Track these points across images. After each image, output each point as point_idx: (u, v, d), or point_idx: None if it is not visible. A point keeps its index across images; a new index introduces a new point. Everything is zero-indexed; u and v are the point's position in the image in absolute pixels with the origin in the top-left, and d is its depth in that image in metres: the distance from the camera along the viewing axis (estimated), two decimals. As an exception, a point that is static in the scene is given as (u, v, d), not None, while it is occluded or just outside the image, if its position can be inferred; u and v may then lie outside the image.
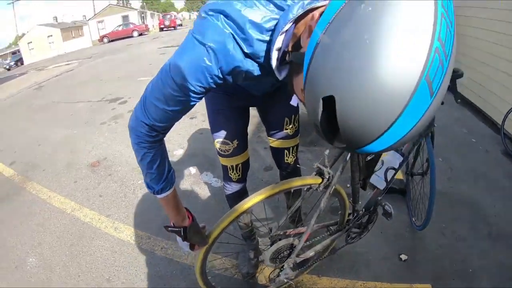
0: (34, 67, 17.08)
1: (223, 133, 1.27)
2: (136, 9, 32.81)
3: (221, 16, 0.66)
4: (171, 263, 1.85)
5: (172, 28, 28.64)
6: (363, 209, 1.36)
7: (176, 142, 3.31)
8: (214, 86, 0.74)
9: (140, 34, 25.46)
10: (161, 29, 28.96)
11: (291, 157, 1.42)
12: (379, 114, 0.45)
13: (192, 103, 0.78)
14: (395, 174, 1.34)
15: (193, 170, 2.77)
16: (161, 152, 0.88)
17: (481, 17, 4.62)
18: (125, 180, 2.75)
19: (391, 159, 1.33)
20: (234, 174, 1.39)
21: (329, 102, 0.47)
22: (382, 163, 1.31)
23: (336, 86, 0.46)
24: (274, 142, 1.39)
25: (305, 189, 1.13)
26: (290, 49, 0.67)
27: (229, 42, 0.67)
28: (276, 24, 0.66)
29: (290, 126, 1.33)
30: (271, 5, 0.66)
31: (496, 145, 3.47)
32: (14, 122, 5.47)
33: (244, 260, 1.63)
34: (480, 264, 1.81)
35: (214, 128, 1.28)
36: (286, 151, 1.39)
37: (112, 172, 2.91)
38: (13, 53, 34.02)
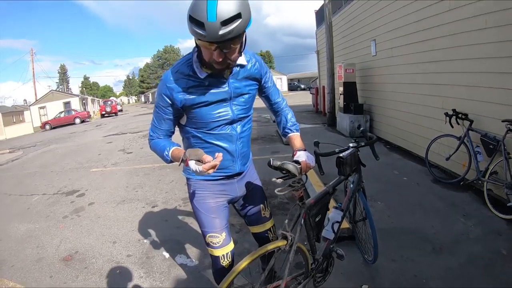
0: (-27, 152, 16.03)
1: (212, 228, 1.54)
2: (77, 96, 32.86)
3: None
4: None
5: (114, 115, 29.14)
6: (321, 257, 1.75)
7: (143, 232, 3.45)
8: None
9: (83, 121, 25.44)
10: (103, 116, 29.43)
11: (273, 236, 1.73)
12: None
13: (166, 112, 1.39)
14: (339, 226, 1.75)
15: (166, 255, 2.95)
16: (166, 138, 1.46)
17: (397, 73, 5.61)
18: (103, 272, 2.78)
19: (334, 215, 1.76)
20: (226, 261, 1.60)
21: None
22: (328, 220, 1.73)
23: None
24: (255, 228, 1.70)
25: (275, 250, 1.48)
26: None
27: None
28: None
29: (266, 210, 1.70)
30: None
31: (425, 176, 4.15)
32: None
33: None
34: (430, 274, 2.26)
35: (204, 226, 1.55)
36: (268, 231, 1.71)
37: (88, 265, 2.92)
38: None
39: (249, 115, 1.51)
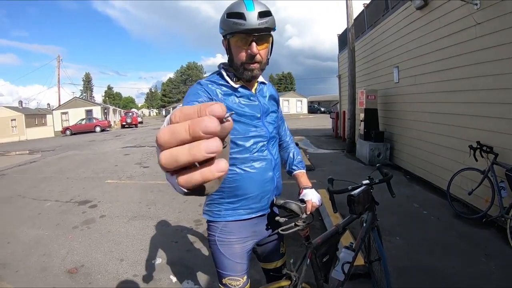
0: (-6, 149, 16.61)
1: (234, 272, 1.39)
2: (99, 104, 33.32)
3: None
4: None
5: (134, 126, 29.37)
6: (331, 299, 1.63)
7: (152, 252, 3.37)
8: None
9: (103, 130, 25.81)
10: (123, 126, 29.71)
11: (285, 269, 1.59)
12: None
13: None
14: (350, 266, 1.64)
15: (173, 279, 2.86)
16: None
17: (420, 102, 5.48)
18: (107, 289, 2.72)
19: (345, 255, 1.66)
20: None
21: None
22: (339, 260, 1.62)
23: None
24: (272, 264, 1.57)
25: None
26: None
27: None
28: None
29: (284, 246, 1.58)
30: None
31: (446, 210, 3.97)
32: (-25, 210, 5.18)
33: None
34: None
35: (225, 270, 1.39)
36: (283, 266, 1.59)
37: (92, 280, 2.86)
38: (-28, 128, 32.93)
39: (277, 137, 1.48)
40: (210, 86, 1.27)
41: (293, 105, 40.54)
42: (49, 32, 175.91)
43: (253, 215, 1.36)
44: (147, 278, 2.88)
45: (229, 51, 1.27)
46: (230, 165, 1.25)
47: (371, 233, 1.94)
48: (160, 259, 3.21)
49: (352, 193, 1.62)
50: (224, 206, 1.34)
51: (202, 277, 2.84)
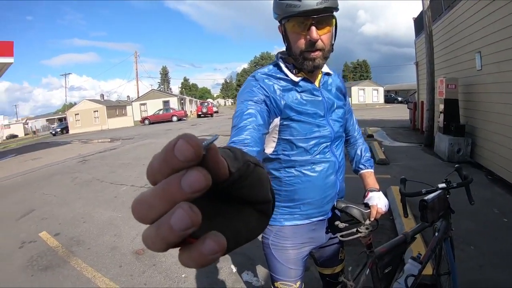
0: (78, 138, 18.93)
1: (287, 278, 1.30)
2: (176, 96, 35.01)
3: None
4: None
5: (209, 116, 30.23)
6: (392, 313, 1.48)
7: None
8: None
9: (179, 119, 27.09)
10: (199, 116, 30.86)
11: (342, 276, 1.49)
12: None
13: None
14: (415, 281, 1.47)
15: (234, 268, 2.88)
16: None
17: (505, 92, 4.80)
18: (169, 272, 2.87)
19: (410, 267, 1.49)
20: None
21: None
22: (403, 272, 1.47)
23: None
24: (329, 270, 1.46)
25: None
26: None
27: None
28: None
29: (343, 252, 1.46)
30: None
31: (529, 220, 3.43)
32: (58, 192, 5.89)
33: None
34: None
35: (278, 274, 1.31)
36: (340, 272, 1.47)
37: (157, 262, 3.04)
38: (60, 119, 37.78)
39: (344, 135, 1.33)
40: (266, 81, 1.12)
41: (369, 94, 38.31)
42: (125, 30, 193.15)
43: (311, 220, 1.25)
44: (209, 266, 2.95)
45: (286, 38, 1.11)
46: (288, 167, 1.17)
47: (443, 244, 1.73)
48: (224, 248, 3.28)
49: (425, 198, 1.42)
50: (280, 210, 1.24)
51: (261, 270, 2.82)
